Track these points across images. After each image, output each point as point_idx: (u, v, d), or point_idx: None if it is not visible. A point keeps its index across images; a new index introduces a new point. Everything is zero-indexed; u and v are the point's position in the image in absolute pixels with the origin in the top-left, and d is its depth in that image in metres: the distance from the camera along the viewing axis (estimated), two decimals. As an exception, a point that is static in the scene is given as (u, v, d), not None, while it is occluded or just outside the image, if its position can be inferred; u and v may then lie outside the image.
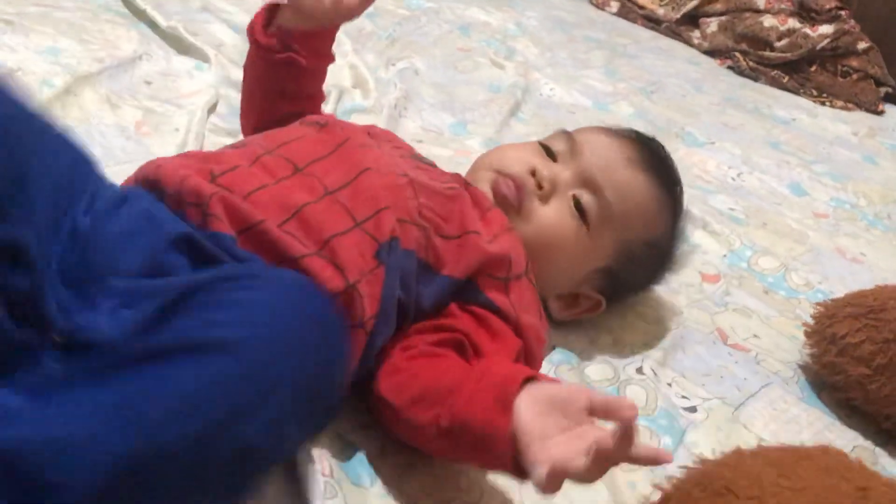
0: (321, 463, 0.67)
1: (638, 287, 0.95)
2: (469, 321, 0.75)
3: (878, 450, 0.87)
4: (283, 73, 0.89)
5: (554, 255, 0.84)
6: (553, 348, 0.87)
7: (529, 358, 0.77)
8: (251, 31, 0.89)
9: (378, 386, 0.70)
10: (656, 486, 0.65)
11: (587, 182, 0.84)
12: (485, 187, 0.84)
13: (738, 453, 0.66)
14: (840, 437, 0.87)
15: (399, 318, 0.73)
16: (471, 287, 0.76)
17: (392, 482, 0.69)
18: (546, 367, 0.83)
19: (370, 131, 0.86)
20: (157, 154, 1.02)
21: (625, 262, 0.87)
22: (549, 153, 0.87)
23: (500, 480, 0.72)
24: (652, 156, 0.90)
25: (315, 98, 0.95)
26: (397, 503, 0.67)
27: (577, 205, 0.84)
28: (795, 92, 2.04)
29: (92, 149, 0.99)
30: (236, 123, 1.13)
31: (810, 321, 0.96)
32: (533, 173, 0.84)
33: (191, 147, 1.04)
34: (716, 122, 1.68)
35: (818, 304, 0.97)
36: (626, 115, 1.61)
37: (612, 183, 0.84)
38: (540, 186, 0.84)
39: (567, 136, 0.89)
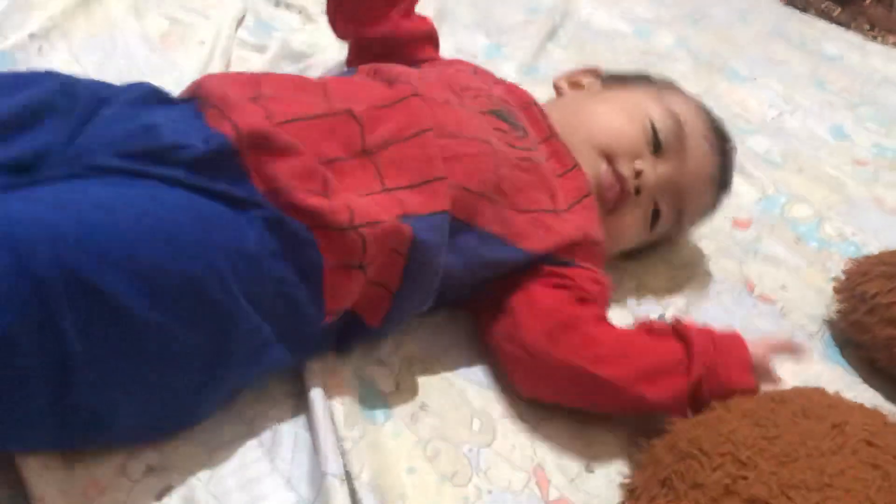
0: (339, 395, 0.67)
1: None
2: (577, 275, 0.75)
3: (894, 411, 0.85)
4: None
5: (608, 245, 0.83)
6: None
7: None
8: None
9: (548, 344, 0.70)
10: (632, 456, 0.65)
11: (675, 195, 0.85)
12: (586, 171, 0.81)
13: (713, 409, 0.65)
14: (859, 397, 0.85)
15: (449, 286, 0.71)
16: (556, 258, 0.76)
17: (405, 421, 0.69)
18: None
19: (451, 77, 0.80)
20: (182, 67, 1.00)
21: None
22: (657, 139, 0.83)
23: (513, 425, 0.72)
24: (728, 167, 0.92)
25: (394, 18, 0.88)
26: (409, 443, 0.67)
27: (655, 213, 0.85)
28: (847, 26, 1.95)
29: (114, 60, 0.98)
30: (264, 38, 1.11)
31: (840, 275, 0.94)
32: (638, 175, 0.81)
33: (216, 62, 1.02)
34: (760, 56, 1.61)
35: (851, 259, 0.94)
36: (667, 45, 1.55)
37: (694, 205, 0.88)
38: (637, 192, 0.82)
39: (679, 128, 0.84)
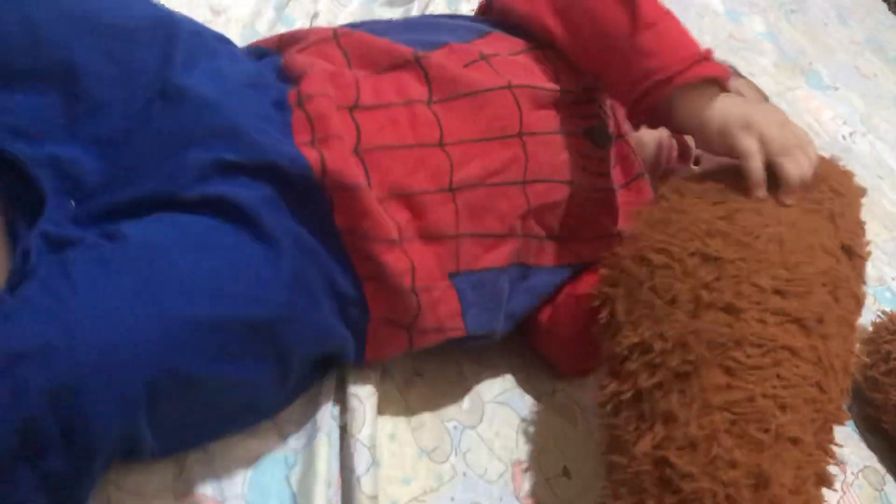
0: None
1: None
2: None
3: (887, 476, 0.84)
4: None
5: None
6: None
7: None
8: None
9: None
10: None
11: None
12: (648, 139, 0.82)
13: (666, 200, 0.63)
14: (855, 453, 0.85)
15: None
16: None
17: (397, 385, 0.69)
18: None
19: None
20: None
21: None
22: None
23: (502, 411, 0.71)
24: None
25: None
26: (397, 409, 0.67)
27: None
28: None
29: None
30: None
31: (868, 324, 0.91)
32: None
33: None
34: (848, 65, 1.54)
35: (884, 312, 0.92)
36: (756, 33, 1.48)
37: None
38: (696, 162, 0.83)
39: None
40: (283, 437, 0.61)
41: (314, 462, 0.59)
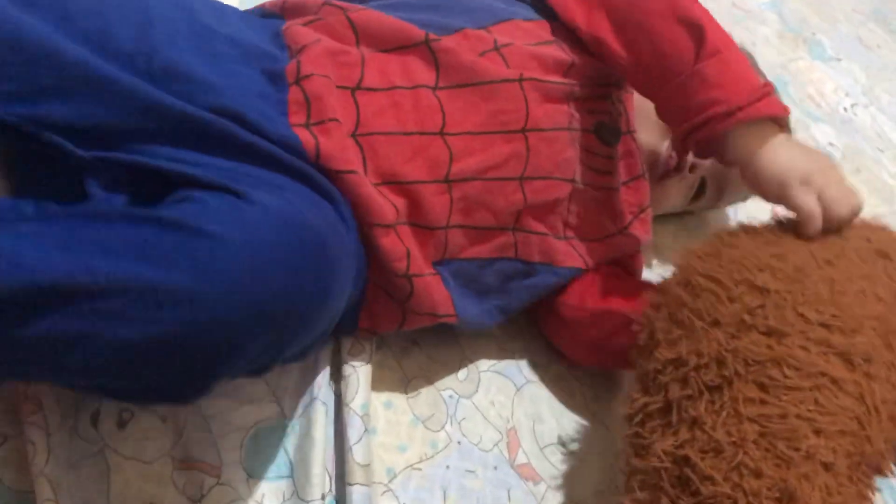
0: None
1: None
2: None
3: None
4: None
5: None
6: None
7: None
8: None
9: None
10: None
11: (722, 178, 0.84)
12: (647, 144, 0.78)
13: (717, 236, 0.63)
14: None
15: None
16: None
17: (394, 353, 0.69)
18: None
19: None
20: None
21: None
22: None
23: (498, 381, 0.72)
24: None
25: None
26: (393, 376, 0.68)
27: (699, 189, 0.85)
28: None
29: None
30: None
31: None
32: None
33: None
34: (851, 35, 1.52)
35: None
36: (759, 3, 1.46)
37: (737, 190, 0.87)
38: (692, 169, 0.80)
39: None
40: (281, 404, 0.62)
41: (311, 430, 0.60)
